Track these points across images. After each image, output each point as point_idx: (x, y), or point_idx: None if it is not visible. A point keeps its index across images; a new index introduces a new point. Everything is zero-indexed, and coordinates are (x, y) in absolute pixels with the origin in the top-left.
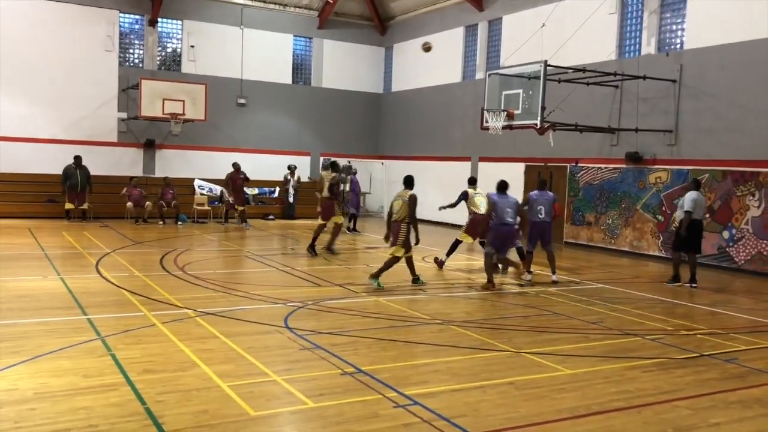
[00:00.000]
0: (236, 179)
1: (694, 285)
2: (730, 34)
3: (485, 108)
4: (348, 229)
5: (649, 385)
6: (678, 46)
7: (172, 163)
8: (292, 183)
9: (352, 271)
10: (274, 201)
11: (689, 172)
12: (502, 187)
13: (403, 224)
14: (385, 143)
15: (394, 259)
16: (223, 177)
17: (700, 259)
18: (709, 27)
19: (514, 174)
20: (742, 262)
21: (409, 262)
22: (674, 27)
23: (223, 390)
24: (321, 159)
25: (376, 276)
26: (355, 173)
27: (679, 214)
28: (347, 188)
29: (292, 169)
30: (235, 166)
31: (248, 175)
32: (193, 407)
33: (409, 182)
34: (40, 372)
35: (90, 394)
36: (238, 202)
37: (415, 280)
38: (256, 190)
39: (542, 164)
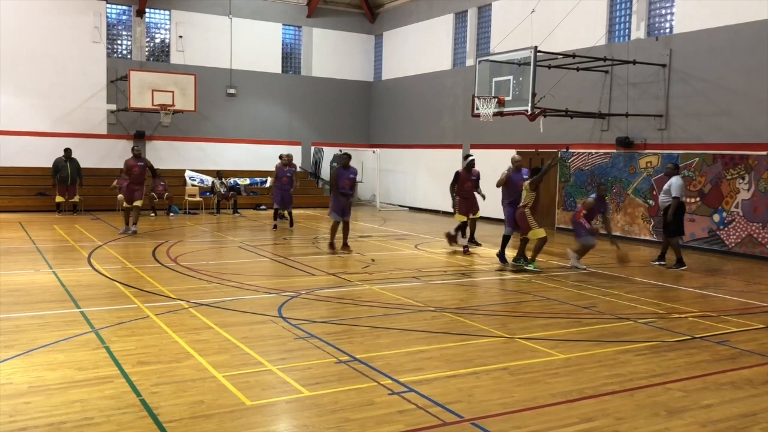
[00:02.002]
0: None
1: (684, 267)
2: (718, 18)
3: (476, 95)
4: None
5: (642, 368)
6: (667, 30)
7: (162, 155)
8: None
9: (345, 260)
10: (266, 191)
11: (679, 156)
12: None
13: (525, 209)
14: (377, 132)
15: (542, 240)
16: (214, 168)
17: (690, 243)
18: (698, 11)
19: (506, 161)
20: (733, 245)
21: (523, 243)
22: (663, 11)
23: (218, 380)
24: (312, 148)
25: (532, 260)
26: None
27: (664, 199)
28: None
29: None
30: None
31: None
32: (188, 398)
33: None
34: (34, 366)
35: (85, 386)
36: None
37: (516, 259)
38: (247, 181)
39: (533, 150)
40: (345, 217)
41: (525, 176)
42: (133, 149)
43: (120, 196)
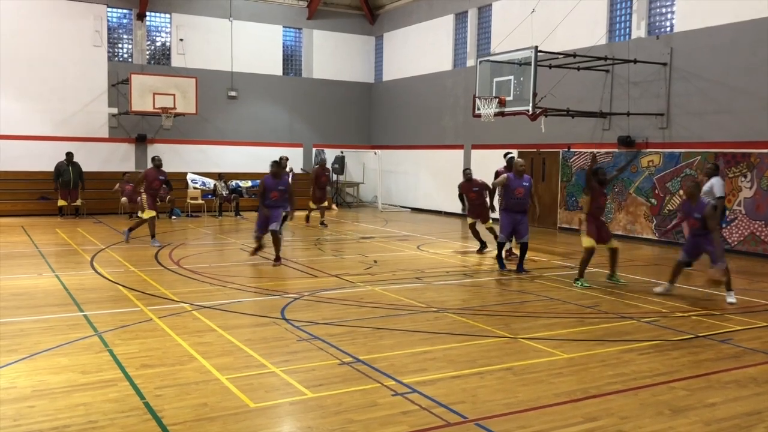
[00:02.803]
0: (321, 175)
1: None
2: (719, 16)
3: (477, 95)
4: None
5: (646, 367)
6: (668, 29)
7: (164, 158)
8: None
9: (347, 262)
10: None
11: (681, 154)
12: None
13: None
14: (378, 133)
15: (614, 251)
16: (216, 171)
17: None
18: (699, 9)
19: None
20: (735, 243)
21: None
22: (664, 10)
23: (221, 383)
24: (314, 150)
25: (611, 274)
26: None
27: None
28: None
29: (283, 160)
30: (322, 161)
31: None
32: (192, 400)
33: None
34: (38, 369)
35: (88, 390)
36: (318, 199)
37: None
38: (249, 183)
39: (535, 150)
40: (271, 227)
41: (526, 183)
42: (154, 159)
43: (123, 199)
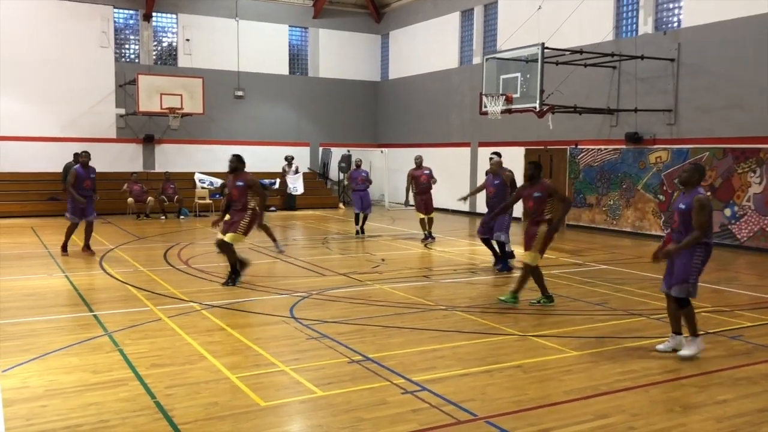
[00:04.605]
0: (419, 176)
1: None
2: (727, 11)
3: (483, 93)
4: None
5: (655, 363)
6: (675, 24)
7: (171, 158)
8: (290, 173)
9: (355, 260)
10: (275, 192)
11: (689, 150)
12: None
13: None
14: (384, 131)
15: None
16: (223, 170)
17: None
18: (707, 4)
19: (515, 158)
20: (745, 239)
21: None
22: (671, 5)
23: (231, 381)
24: (320, 149)
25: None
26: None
27: None
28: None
29: (289, 159)
30: (418, 160)
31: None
32: (202, 399)
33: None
34: (50, 369)
35: (100, 389)
36: (424, 208)
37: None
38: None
39: (542, 147)
40: (87, 218)
41: (497, 182)
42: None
43: (131, 200)
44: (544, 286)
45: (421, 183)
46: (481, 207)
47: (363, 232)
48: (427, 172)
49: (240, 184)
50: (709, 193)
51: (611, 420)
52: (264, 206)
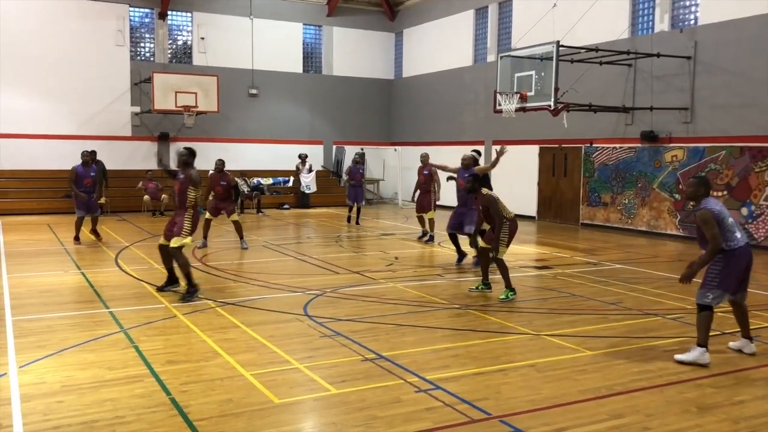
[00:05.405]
0: (419, 175)
1: None
2: (745, 8)
3: (497, 91)
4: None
5: (671, 364)
6: (692, 22)
7: None
8: (303, 171)
9: (368, 259)
10: (288, 190)
11: (705, 149)
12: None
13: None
14: (398, 129)
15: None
16: (237, 168)
17: None
18: (724, 1)
19: (529, 157)
20: (762, 238)
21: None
22: (688, 3)
23: (246, 379)
24: (334, 147)
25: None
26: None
27: None
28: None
29: (302, 157)
30: (423, 158)
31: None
32: (217, 396)
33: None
34: (66, 365)
35: (115, 386)
36: (419, 206)
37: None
38: (270, 180)
39: (557, 146)
40: (92, 214)
41: (466, 175)
42: (217, 162)
43: (146, 197)
44: (487, 273)
45: (420, 182)
46: None
47: (359, 223)
48: (426, 172)
49: (181, 177)
50: (725, 193)
51: (626, 420)
52: (204, 203)
